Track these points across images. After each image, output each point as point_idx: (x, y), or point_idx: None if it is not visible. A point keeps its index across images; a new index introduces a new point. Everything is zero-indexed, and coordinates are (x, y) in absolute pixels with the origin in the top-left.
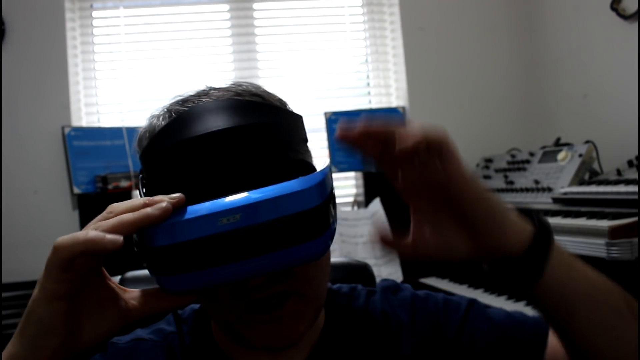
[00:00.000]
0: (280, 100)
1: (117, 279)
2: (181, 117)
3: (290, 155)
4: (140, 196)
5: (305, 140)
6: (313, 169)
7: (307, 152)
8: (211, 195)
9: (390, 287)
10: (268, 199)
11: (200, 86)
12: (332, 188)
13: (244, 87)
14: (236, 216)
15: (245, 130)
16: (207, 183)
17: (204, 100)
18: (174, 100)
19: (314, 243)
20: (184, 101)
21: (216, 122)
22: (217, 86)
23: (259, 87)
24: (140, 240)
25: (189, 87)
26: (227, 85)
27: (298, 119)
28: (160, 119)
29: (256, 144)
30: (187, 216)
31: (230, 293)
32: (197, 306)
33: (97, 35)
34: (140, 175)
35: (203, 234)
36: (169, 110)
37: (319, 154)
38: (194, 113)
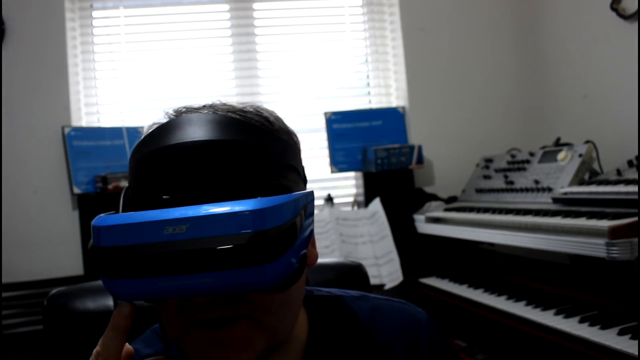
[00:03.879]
0: (286, 129)
1: None
2: (167, 124)
3: (270, 179)
4: (121, 200)
5: (296, 170)
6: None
7: (294, 181)
8: (172, 205)
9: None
10: (217, 214)
11: (212, 99)
12: (300, 215)
13: (255, 109)
14: (182, 227)
15: (220, 145)
16: (171, 192)
17: (203, 111)
18: (177, 107)
19: (263, 269)
20: (185, 110)
21: (194, 134)
22: (228, 102)
23: (272, 113)
24: (91, 236)
25: (190, 89)
26: (239, 105)
27: (289, 146)
28: (154, 126)
29: (232, 160)
30: (135, 220)
31: (177, 306)
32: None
33: (97, 35)
34: (127, 186)
35: (146, 241)
36: (167, 117)
37: (319, 153)
38: (177, 123)
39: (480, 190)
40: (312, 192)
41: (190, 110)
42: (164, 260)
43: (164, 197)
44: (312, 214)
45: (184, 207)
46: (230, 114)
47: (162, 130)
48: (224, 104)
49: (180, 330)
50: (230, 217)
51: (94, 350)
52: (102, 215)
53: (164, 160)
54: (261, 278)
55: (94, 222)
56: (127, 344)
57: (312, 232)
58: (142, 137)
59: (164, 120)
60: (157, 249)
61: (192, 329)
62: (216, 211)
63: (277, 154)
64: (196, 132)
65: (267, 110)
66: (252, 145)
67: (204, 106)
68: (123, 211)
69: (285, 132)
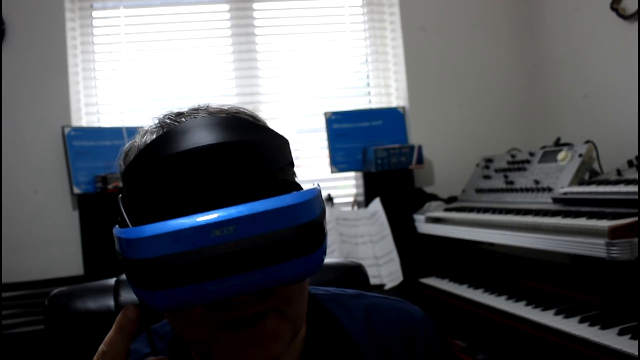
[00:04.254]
0: (274, 129)
1: (112, 280)
2: (173, 130)
3: (277, 175)
4: (123, 215)
5: (292, 163)
6: (301, 189)
7: (294, 175)
8: (198, 210)
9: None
10: (263, 212)
11: (195, 104)
12: (324, 207)
13: (239, 108)
14: (230, 228)
15: (236, 147)
16: (195, 197)
17: (198, 115)
18: (167, 114)
19: (309, 258)
20: (177, 115)
21: (208, 137)
22: (212, 104)
23: (252, 113)
24: (124, 251)
25: (190, 89)
26: (222, 106)
27: (286, 142)
28: (154, 134)
29: (246, 161)
30: (177, 227)
31: (204, 310)
32: None
33: (97, 35)
34: (120, 195)
35: (194, 246)
36: (161, 124)
37: (319, 153)
38: (186, 127)
39: (480, 190)
40: (319, 186)
41: (187, 114)
42: (213, 264)
43: (189, 202)
44: (324, 204)
45: (226, 208)
46: (225, 115)
47: (171, 135)
48: (210, 106)
49: (207, 333)
50: (276, 213)
51: (100, 349)
52: (120, 228)
53: (183, 165)
54: (305, 268)
55: (123, 235)
56: None
57: None
58: (140, 145)
59: (157, 126)
60: (207, 254)
61: (219, 331)
62: (261, 209)
63: (281, 151)
64: (208, 135)
65: (251, 111)
66: (260, 144)
67: (197, 110)
68: (130, 221)
69: (275, 130)
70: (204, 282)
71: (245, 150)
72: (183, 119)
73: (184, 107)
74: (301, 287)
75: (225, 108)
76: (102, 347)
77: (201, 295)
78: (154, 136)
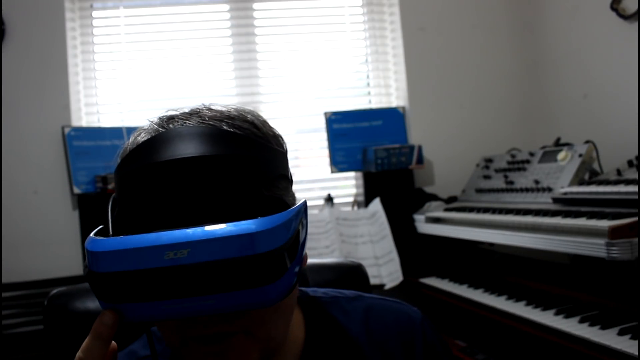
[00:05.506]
0: (274, 134)
1: None
2: (155, 138)
3: (262, 191)
4: (109, 213)
5: (286, 177)
6: (287, 207)
7: (285, 189)
8: (170, 224)
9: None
10: (219, 238)
11: (198, 103)
12: (298, 230)
13: (240, 113)
14: (183, 251)
15: (215, 161)
16: (168, 211)
17: (186, 122)
18: (163, 116)
19: (265, 289)
20: (169, 119)
21: (186, 149)
22: (214, 107)
23: (257, 117)
24: (87, 259)
25: (190, 89)
26: (224, 109)
27: (280, 155)
28: (146, 136)
29: (226, 175)
30: (133, 245)
31: (175, 321)
32: None
33: (97, 35)
34: (114, 195)
35: (146, 266)
36: (151, 128)
37: (319, 153)
38: (168, 136)
39: (480, 190)
40: (305, 202)
41: (176, 119)
42: (166, 285)
43: (158, 216)
44: (306, 224)
45: (183, 230)
46: (217, 123)
47: (152, 144)
48: (209, 109)
49: (179, 341)
50: (232, 240)
51: (77, 356)
52: (93, 237)
53: (155, 177)
54: (264, 297)
55: (87, 245)
56: (112, 341)
57: (305, 241)
58: (131, 148)
59: (150, 128)
60: (159, 275)
61: (191, 342)
62: (217, 234)
63: (269, 165)
64: (187, 147)
65: (252, 114)
66: (244, 158)
67: (190, 114)
68: (113, 223)
69: (273, 136)
70: (156, 302)
71: (223, 164)
72: (171, 125)
73: (185, 107)
74: (275, 307)
75: (225, 111)
76: (79, 354)
77: (154, 313)
78: (146, 138)
